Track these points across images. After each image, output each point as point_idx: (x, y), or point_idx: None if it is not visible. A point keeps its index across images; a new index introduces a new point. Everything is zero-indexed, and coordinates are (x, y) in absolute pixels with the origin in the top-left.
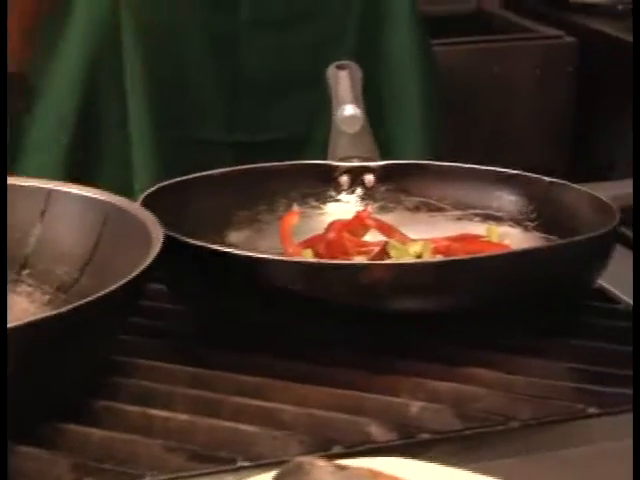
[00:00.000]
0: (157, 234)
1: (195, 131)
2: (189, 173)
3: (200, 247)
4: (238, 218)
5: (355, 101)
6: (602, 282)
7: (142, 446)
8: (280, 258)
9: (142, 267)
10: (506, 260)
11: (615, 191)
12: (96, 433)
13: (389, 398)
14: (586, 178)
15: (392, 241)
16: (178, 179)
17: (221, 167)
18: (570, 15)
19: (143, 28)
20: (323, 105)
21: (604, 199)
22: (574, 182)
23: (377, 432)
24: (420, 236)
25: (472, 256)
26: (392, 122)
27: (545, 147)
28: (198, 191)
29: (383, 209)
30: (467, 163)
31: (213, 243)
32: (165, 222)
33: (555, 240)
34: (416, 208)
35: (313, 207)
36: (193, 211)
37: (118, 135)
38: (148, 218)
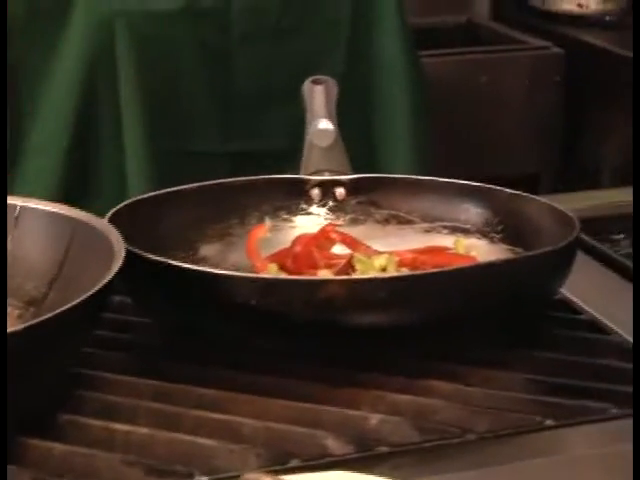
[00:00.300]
0: (119, 249)
1: (189, 142)
2: (183, 183)
3: (159, 262)
4: (210, 232)
5: (328, 115)
6: (565, 292)
7: (102, 460)
8: (236, 274)
9: (102, 283)
10: (458, 275)
11: (578, 203)
12: (58, 447)
13: (348, 411)
14: (574, 185)
15: (357, 254)
16: (150, 194)
17: (216, 178)
18: (558, 26)
19: (137, 39)
20: None
21: (565, 211)
22: (563, 188)
23: (334, 445)
24: (390, 248)
25: (425, 272)
26: (381, 132)
27: (533, 155)
28: (170, 205)
29: (354, 222)
30: (457, 172)
31: (184, 257)
32: (136, 237)
33: (520, 252)
34: (386, 220)
35: (285, 220)
36: (165, 225)
37: (113, 144)
38: (112, 234)
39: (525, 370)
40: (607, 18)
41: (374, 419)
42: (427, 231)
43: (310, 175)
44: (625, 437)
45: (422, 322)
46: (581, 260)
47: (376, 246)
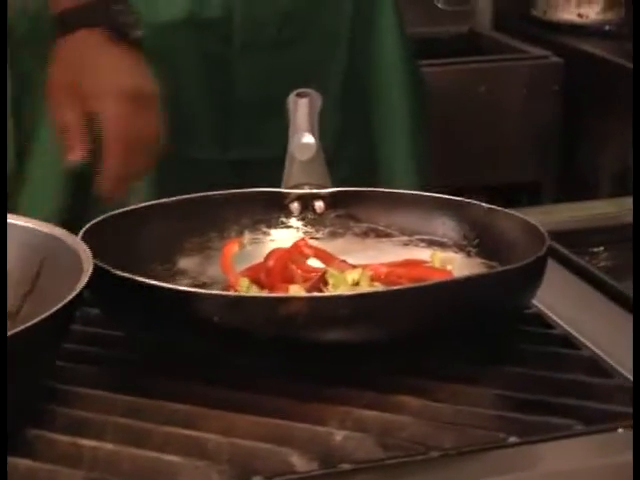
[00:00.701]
0: (88, 265)
1: (190, 149)
2: (185, 191)
3: (126, 279)
4: (189, 245)
5: (310, 129)
6: (540, 305)
7: (65, 477)
8: (199, 291)
9: (68, 298)
10: (420, 292)
11: (560, 215)
12: (23, 463)
13: (314, 427)
14: (575, 194)
15: (330, 269)
16: (129, 208)
17: (216, 184)
18: (559, 36)
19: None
20: None
21: (537, 225)
22: (561, 197)
23: (298, 462)
24: (368, 262)
25: (388, 289)
26: (380, 141)
27: (533, 164)
28: (150, 219)
29: (332, 235)
30: (456, 181)
31: (162, 270)
32: (113, 250)
33: (495, 266)
34: (364, 234)
35: (264, 233)
36: (144, 238)
37: None
38: (82, 249)
39: (494, 385)
40: (607, 28)
41: (339, 435)
42: (405, 244)
43: (290, 189)
44: (590, 454)
45: (389, 338)
46: (558, 273)
47: (354, 259)
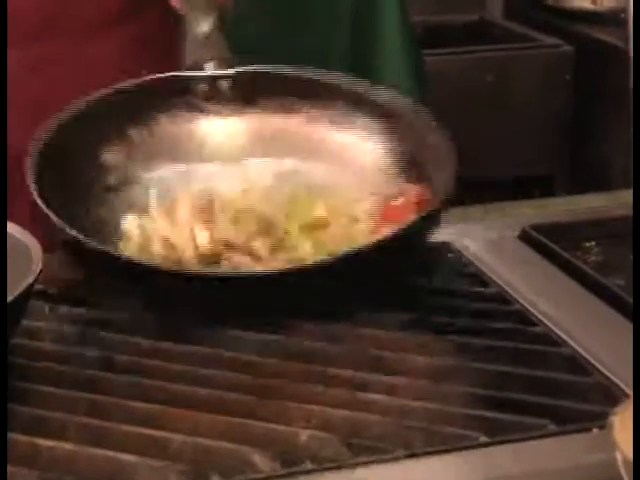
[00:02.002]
0: (36, 263)
1: None
2: None
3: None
4: (109, 139)
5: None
6: (523, 302)
7: (19, 477)
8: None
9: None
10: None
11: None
12: None
13: (278, 426)
14: (589, 186)
15: None
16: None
17: None
18: (571, 24)
19: None
20: None
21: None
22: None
23: (260, 461)
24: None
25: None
26: None
27: (543, 156)
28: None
29: (239, 112)
30: (465, 173)
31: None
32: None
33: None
34: (274, 113)
35: (176, 116)
36: (75, 143)
37: None
38: (30, 241)
39: (465, 383)
40: (622, 15)
41: (304, 435)
42: (309, 121)
43: (193, 66)
44: (562, 455)
45: None
46: (543, 268)
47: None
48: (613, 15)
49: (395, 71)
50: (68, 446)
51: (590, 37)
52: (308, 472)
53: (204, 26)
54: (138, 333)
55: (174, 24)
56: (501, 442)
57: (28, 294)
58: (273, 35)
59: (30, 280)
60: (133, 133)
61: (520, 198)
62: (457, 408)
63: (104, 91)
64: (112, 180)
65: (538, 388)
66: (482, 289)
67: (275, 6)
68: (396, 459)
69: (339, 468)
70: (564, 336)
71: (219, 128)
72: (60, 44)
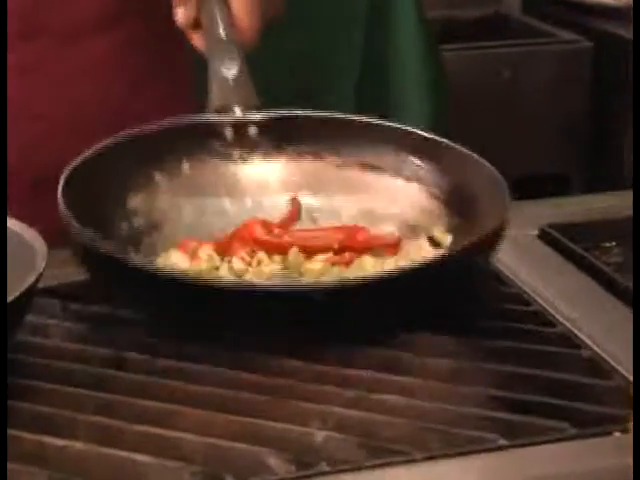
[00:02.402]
0: (41, 260)
1: None
2: None
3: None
4: (134, 183)
5: (230, 39)
6: (541, 302)
7: (28, 477)
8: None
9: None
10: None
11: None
12: None
13: (293, 427)
14: (606, 185)
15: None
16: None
17: None
18: (590, 19)
19: None
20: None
21: (495, 172)
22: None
23: (275, 463)
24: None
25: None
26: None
27: (559, 155)
28: (99, 167)
29: (266, 158)
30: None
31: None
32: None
33: (437, 195)
34: (299, 155)
35: (200, 161)
36: (98, 186)
37: None
38: (33, 236)
39: (484, 384)
40: None
41: (320, 436)
42: (339, 166)
43: (217, 111)
44: (582, 459)
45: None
46: (561, 268)
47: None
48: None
49: (412, 72)
50: (78, 445)
51: (609, 33)
52: (324, 474)
53: (231, 69)
54: (151, 332)
55: (181, 40)
56: (520, 445)
57: (30, 293)
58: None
59: (32, 279)
60: (159, 178)
61: (534, 197)
62: (475, 410)
63: (127, 133)
64: (137, 223)
65: (557, 390)
66: (501, 289)
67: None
68: (413, 461)
69: (355, 470)
70: (584, 338)
71: (247, 173)
72: (46, 46)
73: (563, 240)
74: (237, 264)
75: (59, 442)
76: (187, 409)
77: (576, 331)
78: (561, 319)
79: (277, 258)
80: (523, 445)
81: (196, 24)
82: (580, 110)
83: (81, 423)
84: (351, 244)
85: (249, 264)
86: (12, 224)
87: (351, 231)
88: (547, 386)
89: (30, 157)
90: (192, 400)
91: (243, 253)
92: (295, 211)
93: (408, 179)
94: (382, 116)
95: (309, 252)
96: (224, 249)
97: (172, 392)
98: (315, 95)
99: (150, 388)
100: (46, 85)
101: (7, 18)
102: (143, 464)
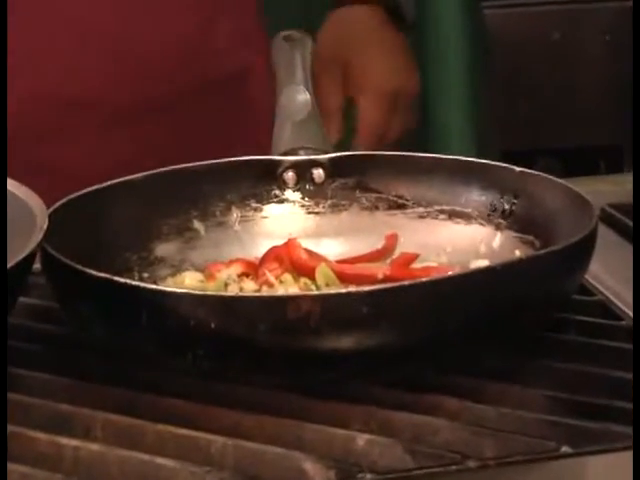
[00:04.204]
0: (42, 222)
1: None
2: None
3: (99, 279)
4: (166, 228)
5: (304, 81)
6: (605, 291)
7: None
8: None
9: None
10: (452, 284)
11: (616, 186)
12: None
13: (332, 429)
14: None
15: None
16: (92, 188)
17: None
18: None
19: None
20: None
21: (582, 194)
22: None
23: (312, 470)
24: (378, 239)
25: (413, 282)
26: (433, 102)
27: (612, 124)
28: (118, 199)
29: (335, 208)
30: (524, 144)
31: (137, 260)
32: (78, 240)
33: (531, 240)
34: (373, 206)
35: (255, 210)
36: (114, 223)
37: None
38: (35, 203)
39: (544, 385)
40: None
41: (362, 440)
42: (421, 217)
43: (282, 155)
44: None
45: (415, 339)
46: (628, 254)
47: (363, 238)
48: None
49: (452, 40)
50: (95, 447)
51: None
52: None
53: (300, 111)
54: None
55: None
56: (585, 453)
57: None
58: None
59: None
60: (198, 226)
61: (586, 171)
62: (534, 413)
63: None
64: (163, 273)
65: (624, 392)
66: None
67: None
68: (466, 470)
69: (400, 479)
70: None
71: (307, 224)
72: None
73: (626, 222)
74: (248, 285)
75: (74, 442)
76: (215, 408)
77: None
78: (627, 310)
79: (306, 281)
80: (588, 453)
81: None
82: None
83: (100, 422)
84: (398, 275)
85: (270, 285)
86: (15, 188)
87: (403, 262)
88: (613, 386)
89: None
90: (218, 399)
91: (267, 271)
92: (389, 247)
93: (497, 227)
94: None
95: (347, 280)
96: (253, 268)
97: (197, 390)
98: None
99: (174, 385)
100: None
101: None
102: (166, 468)
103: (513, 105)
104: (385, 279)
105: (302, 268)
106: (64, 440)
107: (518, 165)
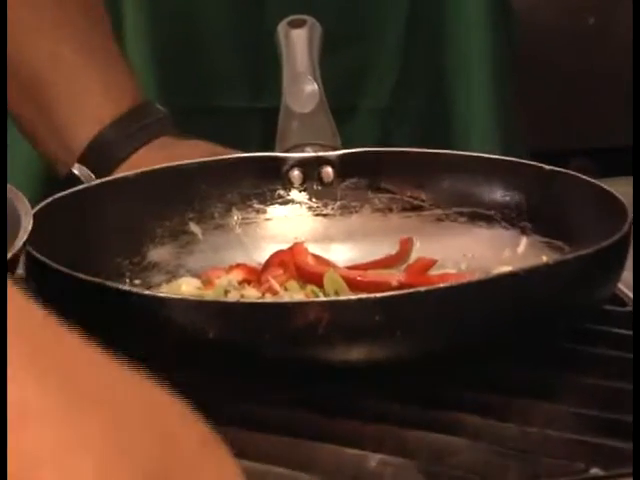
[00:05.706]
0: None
1: (213, 97)
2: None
3: (91, 283)
4: (160, 230)
5: (311, 70)
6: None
7: None
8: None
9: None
10: (471, 290)
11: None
12: None
13: (343, 448)
14: None
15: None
16: (81, 187)
17: (245, 136)
18: None
19: None
20: (366, 66)
21: (615, 194)
22: None
23: None
24: (392, 244)
25: (429, 288)
26: (454, 94)
27: None
28: (109, 199)
29: (345, 210)
30: (553, 140)
31: (130, 263)
32: (65, 243)
33: (560, 245)
34: (386, 208)
35: (258, 211)
36: (104, 225)
37: None
38: (18, 199)
39: (573, 402)
40: None
41: (374, 460)
42: (439, 219)
43: (288, 151)
44: None
45: (432, 350)
46: None
47: (373, 244)
48: None
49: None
50: None
51: None
52: None
53: (307, 103)
54: None
55: None
56: (616, 476)
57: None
58: None
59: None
60: (195, 229)
61: (623, 173)
62: (562, 432)
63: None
64: (157, 280)
65: None
66: None
67: None
68: None
69: None
70: None
71: (314, 227)
72: None
73: None
74: (250, 292)
75: None
76: (220, 427)
77: None
78: None
79: (313, 288)
80: (620, 476)
81: None
82: None
83: None
84: (413, 282)
85: (274, 293)
86: None
87: (419, 268)
88: None
89: None
90: (219, 416)
91: (270, 278)
92: (404, 252)
93: (523, 231)
94: None
95: (357, 288)
96: (255, 274)
97: (197, 405)
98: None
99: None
100: None
101: None
102: None
103: (543, 99)
104: (399, 287)
105: (309, 275)
106: None
107: (548, 165)
